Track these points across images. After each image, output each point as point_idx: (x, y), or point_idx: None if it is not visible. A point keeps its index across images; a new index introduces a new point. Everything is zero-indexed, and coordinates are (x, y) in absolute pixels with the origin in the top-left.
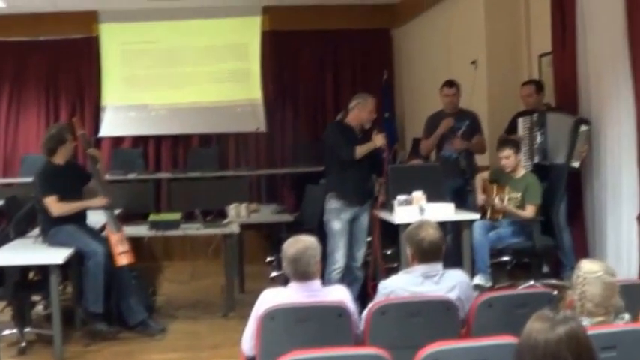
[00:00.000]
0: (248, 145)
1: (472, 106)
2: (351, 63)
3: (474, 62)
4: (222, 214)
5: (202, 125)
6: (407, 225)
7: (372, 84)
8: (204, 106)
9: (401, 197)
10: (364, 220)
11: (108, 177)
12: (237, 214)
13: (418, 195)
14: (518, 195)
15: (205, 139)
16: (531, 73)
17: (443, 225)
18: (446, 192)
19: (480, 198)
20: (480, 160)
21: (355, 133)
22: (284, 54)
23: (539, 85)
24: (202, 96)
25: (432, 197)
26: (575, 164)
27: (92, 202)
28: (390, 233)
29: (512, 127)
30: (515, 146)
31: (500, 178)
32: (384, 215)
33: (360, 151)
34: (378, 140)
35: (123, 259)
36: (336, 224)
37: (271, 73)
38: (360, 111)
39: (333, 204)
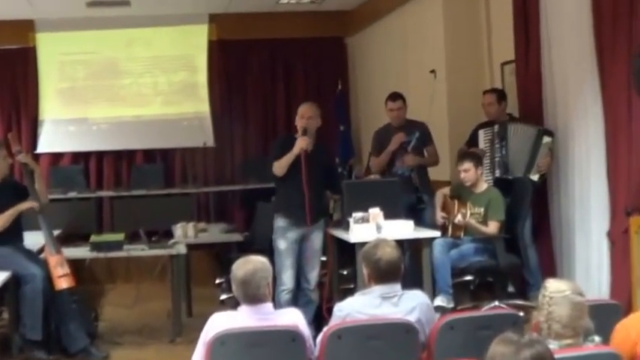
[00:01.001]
0: (195, 160)
1: (431, 117)
2: (303, 73)
3: (432, 71)
4: (169, 234)
5: (146, 140)
6: (363, 244)
7: (325, 95)
8: (148, 119)
9: (357, 214)
10: (316, 240)
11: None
12: (184, 233)
13: (375, 212)
14: (481, 210)
15: (150, 155)
16: (493, 81)
17: (400, 243)
18: (403, 208)
19: (440, 214)
20: (439, 174)
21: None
22: (232, 64)
23: (500, 94)
24: (146, 109)
25: (389, 214)
26: (534, 177)
27: (21, 206)
28: (346, 253)
29: (473, 139)
30: (476, 159)
31: (461, 193)
32: (339, 233)
33: (279, 164)
34: (297, 144)
35: (62, 283)
36: (282, 244)
37: (219, 84)
38: (296, 119)
39: (279, 222)
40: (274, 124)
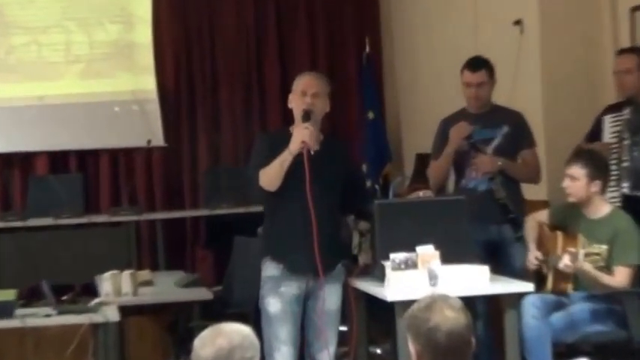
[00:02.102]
0: (134, 169)
1: (515, 96)
2: (308, 30)
3: (517, 22)
4: (91, 290)
5: (54, 136)
6: (408, 304)
7: (345, 64)
8: (56, 103)
9: (397, 255)
10: (331, 298)
11: None
12: (116, 288)
13: (427, 251)
14: (602, 247)
15: (59, 161)
16: (618, 37)
17: (471, 304)
18: (475, 245)
19: (534, 255)
20: (529, 190)
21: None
22: (194, 13)
23: None
24: (53, 86)
25: (450, 255)
26: None
27: None
28: (381, 318)
29: (596, 131)
30: (592, 163)
31: (568, 220)
32: (368, 287)
33: (268, 172)
34: (295, 137)
35: None
36: (274, 304)
37: (173, 45)
38: (291, 100)
39: (269, 270)
40: (263, 111)
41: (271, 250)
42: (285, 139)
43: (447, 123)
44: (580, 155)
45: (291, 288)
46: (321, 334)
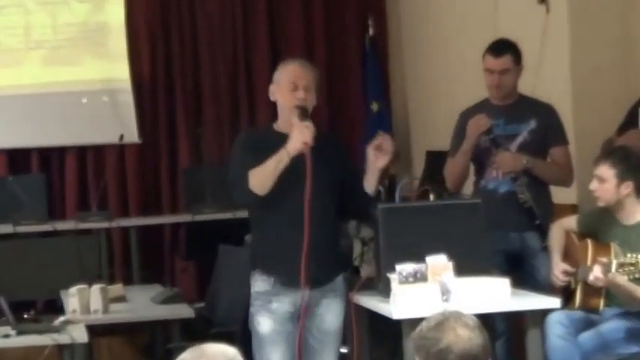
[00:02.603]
0: (105, 169)
1: (539, 88)
2: (302, 10)
3: (543, 1)
4: (55, 307)
5: (11, 133)
6: (417, 322)
7: (344, 47)
8: (13, 94)
9: (404, 267)
10: (330, 314)
11: None
12: (84, 305)
13: (438, 262)
14: (638, 257)
15: (18, 159)
16: None
17: (489, 322)
18: (494, 255)
19: (560, 268)
20: (560, 195)
21: (277, 140)
22: None
23: None
24: (11, 75)
25: (465, 266)
26: None
27: None
28: (385, 338)
29: (631, 122)
30: (624, 162)
31: (599, 227)
32: (371, 303)
33: (260, 173)
34: (294, 137)
35: None
36: (265, 323)
37: (148, 28)
38: (276, 91)
39: (259, 284)
40: (251, 103)
41: (261, 261)
42: (270, 139)
43: (467, 116)
44: (609, 153)
45: (284, 304)
46: (319, 354)
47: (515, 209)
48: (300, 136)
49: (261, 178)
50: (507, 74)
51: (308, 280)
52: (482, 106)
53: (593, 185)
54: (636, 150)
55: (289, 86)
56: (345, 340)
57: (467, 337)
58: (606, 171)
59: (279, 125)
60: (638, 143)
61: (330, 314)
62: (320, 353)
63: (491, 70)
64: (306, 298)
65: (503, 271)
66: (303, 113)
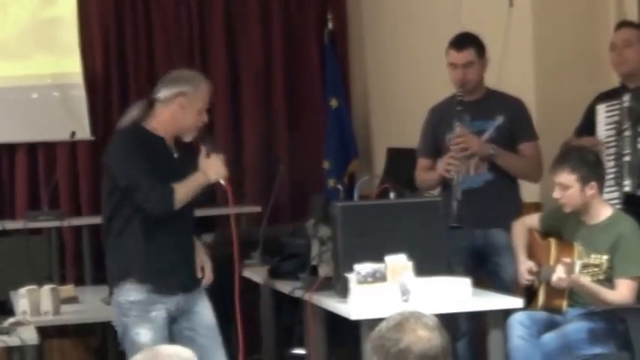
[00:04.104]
0: (56, 167)
1: (503, 83)
2: (259, 2)
3: None
4: (4, 308)
5: None
6: (376, 322)
7: (302, 43)
8: None
9: (362, 267)
10: (207, 312)
11: None
12: (35, 306)
13: (397, 262)
14: (602, 258)
15: None
16: (624, 10)
17: (451, 322)
18: (457, 254)
19: (526, 265)
20: (525, 193)
21: (166, 148)
22: None
23: None
24: None
25: (425, 265)
26: None
27: None
28: (343, 339)
29: (589, 122)
30: (582, 165)
31: (563, 226)
32: (328, 303)
33: (185, 190)
34: (212, 167)
35: None
36: (144, 334)
37: (101, 20)
38: (182, 107)
39: (131, 294)
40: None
41: (138, 271)
42: (152, 142)
43: (436, 111)
44: (566, 158)
45: (162, 312)
46: (207, 352)
47: (479, 206)
48: (220, 170)
49: (186, 197)
50: (471, 67)
51: (185, 286)
52: (450, 102)
53: (557, 193)
54: (588, 148)
55: (202, 107)
56: (301, 342)
57: (427, 337)
58: (567, 177)
59: (153, 125)
60: (594, 147)
61: (207, 310)
62: (212, 348)
63: (454, 64)
64: (182, 302)
65: (467, 269)
66: (212, 141)
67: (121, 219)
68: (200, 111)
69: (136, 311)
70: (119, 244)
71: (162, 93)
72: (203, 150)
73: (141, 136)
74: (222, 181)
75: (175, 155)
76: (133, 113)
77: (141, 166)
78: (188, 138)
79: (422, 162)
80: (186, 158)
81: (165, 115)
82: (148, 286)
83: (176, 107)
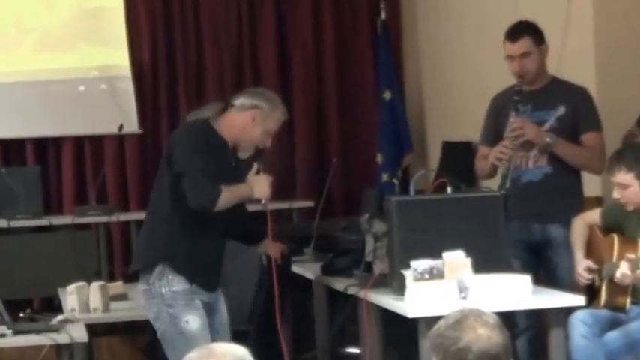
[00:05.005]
0: (104, 161)
1: (563, 68)
2: None
3: None
4: (52, 305)
5: (4, 123)
6: (434, 320)
7: (354, 34)
8: (4, 82)
9: (419, 263)
10: (225, 310)
11: None
12: (83, 303)
13: (455, 258)
14: None
15: (12, 152)
16: None
17: (510, 320)
18: (514, 247)
19: (584, 264)
20: (586, 187)
21: (227, 152)
22: None
23: None
24: (3, 65)
25: (484, 262)
26: None
27: None
28: (400, 337)
29: None
30: (638, 161)
31: (625, 221)
32: (384, 301)
33: (229, 196)
34: (259, 185)
35: None
36: (193, 320)
37: (149, 12)
38: (253, 120)
39: (174, 283)
40: (256, 86)
41: (179, 260)
42: (218, 144)
43: (498, 100)
44: (620, 157)
45: (200, 302)
46: None
47: (537, 200)
48: (266, 190)
49: (227, 203)
50: (528, 58)
51: (218, 285)
52: (511, 91)
53: (616, 194)
54: None
55: (270, 130)
56: (356, 341)
57: (487, 335)
58: (623, 176)
59: (221, 127)
60: None
61: (225, 309)
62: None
63: (511, 56)
64: (212, 298)
65: (525, 264)
66: (265, 162)
67: (173, 205)
68: (267, 132)
69: (182, 300)
70: (163, 228)
71: (241, 100)
72: (255, 167)
73: (209, 133)
74: (263, 201)
75: (233, 162)
76: (205, 112)
77: (200, 160)
78: (243, 155)
79: (481, 150)
80: (239, 168)
81: (236, 121)
82: (188, 277)
83: (248, 117)
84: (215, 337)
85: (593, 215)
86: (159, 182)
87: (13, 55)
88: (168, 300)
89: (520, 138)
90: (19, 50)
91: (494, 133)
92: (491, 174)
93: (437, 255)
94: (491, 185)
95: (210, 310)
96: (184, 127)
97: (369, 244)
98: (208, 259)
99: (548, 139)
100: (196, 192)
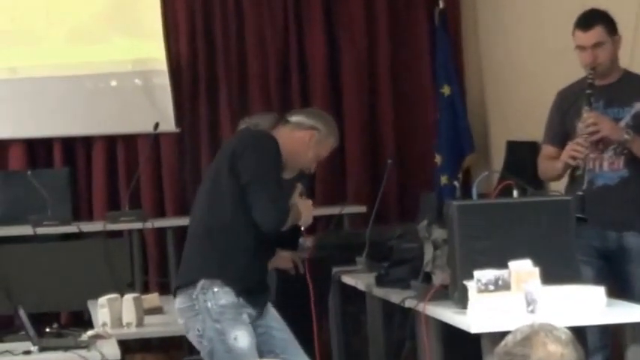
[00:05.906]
0: (138, 162)
1: (635, 64)
2: None
3: None
4: (82, 320)
5: (30, 121)
6: (499, 336)
7: (410, 25)
8: (32, 77)
9: (482, 274)
10: (273, 310)
11: None
12: (115, 317)
13: (522, 268)
14: None
15: (39, 152)
16: None
17: (582, 336)
18: (587, 255)
19: None
20: None
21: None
22: None
23: None
24: (33, 57)
25: (553, 272)
26: None
27: None
28: (462, 354)
29: None
30: None
31: None
32: (444, 315)
33: (291, 215)
34: (306, 210)
35: None
36: (242, 337)
37: (187, 3)
38: (309, 141)
39: (221, 296)
40: (304, 86)
41: (231, 275)
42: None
43: (566, 95)
44: None
45: (247, 317)
46: (289, 344)
47: (613, 205)
48: (310, 216)
49: (288, 222)
50: (601, 48)
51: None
52: (581, 85)
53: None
54: None
55: (321, 156)
56: (414, 358)
57: (559, 353)
58: None
59: (283, 145)
60: None
61: (272, 308)
62: (292, 341)
63: (582, 46)
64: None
65: (598, 274)
66: (307, 185)
67: (236, 217)
68: (317, 156)
69: (229, 314)
70: (220, 241)
71: (300, 118)
72: (299, 188)
73: (279, 147)
74: (303, 228)
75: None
76: (259, 121)
77: (276, 173)
78: (288, 175)
79: (546, 149)
80: (288, 182)
81: (291, 138)
82: (235, 290)
83: (304, 137)
84: (267, 339)
85: None
86: (214, 190)
87: (40, 49)
88: (215, 315)
89: (595, 134)
90: (47, 42)
91: (560, 131)
92: (560, 175)
93: (502, 264)
94: (558, 188)
95: (255, 319)
96: (252, 137)
97: (428, 253)
98: (260, 275)
99: (626, 136)
100: (270, 211)
